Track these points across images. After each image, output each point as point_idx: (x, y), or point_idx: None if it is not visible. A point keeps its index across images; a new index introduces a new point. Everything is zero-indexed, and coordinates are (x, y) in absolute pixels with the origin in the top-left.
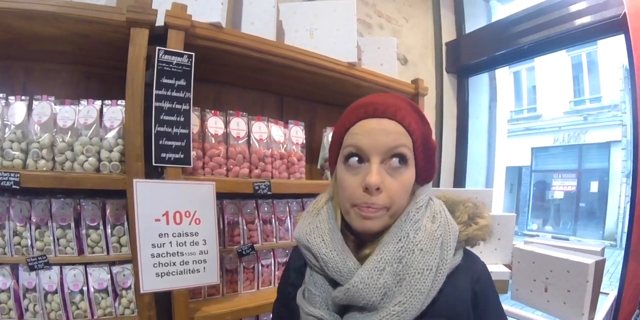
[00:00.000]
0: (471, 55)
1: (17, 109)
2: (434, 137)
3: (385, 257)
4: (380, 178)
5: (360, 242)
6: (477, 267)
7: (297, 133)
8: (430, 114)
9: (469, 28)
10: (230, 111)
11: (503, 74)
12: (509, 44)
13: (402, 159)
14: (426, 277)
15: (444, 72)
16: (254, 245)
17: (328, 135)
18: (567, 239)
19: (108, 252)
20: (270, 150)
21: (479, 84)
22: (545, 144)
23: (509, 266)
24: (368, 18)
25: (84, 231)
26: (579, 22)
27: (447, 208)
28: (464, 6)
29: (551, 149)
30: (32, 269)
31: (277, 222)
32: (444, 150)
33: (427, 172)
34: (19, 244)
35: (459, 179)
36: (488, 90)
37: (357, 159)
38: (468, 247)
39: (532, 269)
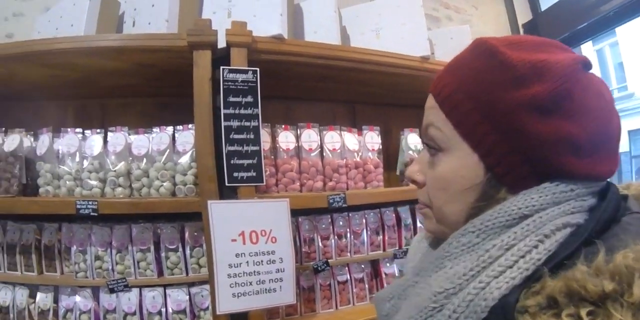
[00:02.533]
0: (552, 34)
1: (94, 141)
2: None
3: (399, 283)
4: (417, 168)
5: None
6: None
7: (373, 139)
8: None
9: (544, 5)
10: (301, 124)
11: (587, 53)
12: (590, 14)
13: (432, 143)
14: None
15: None
16: (329, 260)
17: (406, 137)
18: None
19: (187, 274)
20: (344, 160)
21: None
22: (638, 126)
23: None
24: (435, 12)
25: (163, 254)
26: None
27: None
28: None
29: None
30: (112, 291)
31: (352, 236)
32: None
33: (510, 159)
34: (100, 267)
35: None
36: None
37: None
38: None
39: None
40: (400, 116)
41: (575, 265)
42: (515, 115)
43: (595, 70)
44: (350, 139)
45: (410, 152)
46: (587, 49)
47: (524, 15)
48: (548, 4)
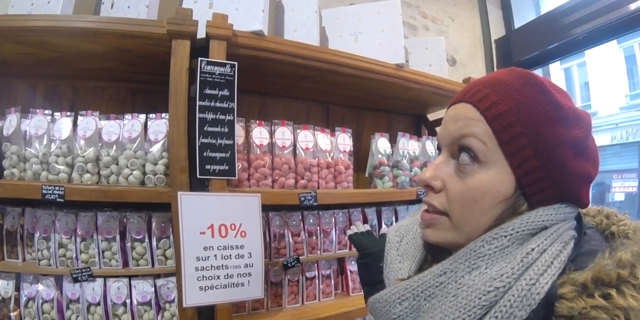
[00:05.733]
0: (523, 51)
1: (63, 124)
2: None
3: (414, 285)
4: (435, 173)
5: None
6: None
7: (344, 140)
8: None
9: (518, 23)
10: (276, 121)
11: (554, 71)
12: (561, 36)
13: (471, 153)
14: None
15: (496, 70)
16: (300, 257)
17: (377, 141)
18: None
19: (153, 265)
20: (316, 159)
21: None
22: (602, 143)
23: None
24: (412, 20)
25: (129, 244)
26: (634, 6)
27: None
28: (510, 0)
29: (609, 148)
30: (76, 280)
31: (322, 235)
32: None
33: (543, 183)
34: (64, 255)
35: None
36: None
37: (439, 152)
38: None
39: None
40: (372, 119)
41: (588, 261)
42: (558, 148)
43: (562, 88)
44: (323, 139)
45: (380, 155)
46: (555, 68)
47: (498, 31)
48: (522, 22)
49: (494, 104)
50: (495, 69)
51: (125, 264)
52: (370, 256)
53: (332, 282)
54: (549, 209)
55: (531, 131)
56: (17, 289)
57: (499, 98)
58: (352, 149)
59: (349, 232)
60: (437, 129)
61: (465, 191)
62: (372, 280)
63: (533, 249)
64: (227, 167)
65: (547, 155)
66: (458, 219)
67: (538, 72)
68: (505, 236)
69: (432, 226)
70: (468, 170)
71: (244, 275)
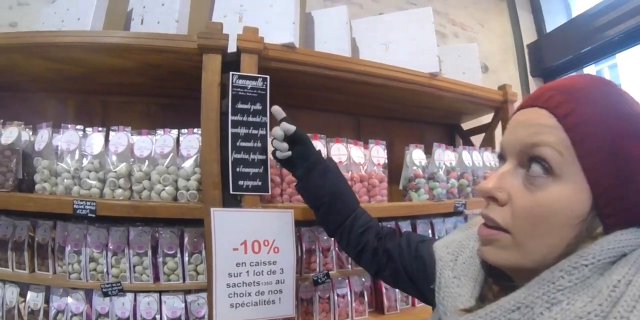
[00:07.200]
0: (556, 56)
1: (94, 139)
2: None
3: (473, 317)
4: (500, 184)
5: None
6: None
7: (379, 153)
8: None
9: (549, 27)
10: (308, 134)
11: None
12: (594, 39)
13: (545, 164)
14: None
15: (529, 76)
16: (329, 272)
17: (411, 153)
18: None
19: (184, 280)
20: (349, 173)
21: None
22: None
23: None
24: (442, 28)
25: (160, 259)
26: None
27: None
28: (540, 4)
29: None
30: (106, 295)
31: None
32: None
33: (622, 204)
34: (95, 269)
35: None
36: None
37: (502, 161)
38: None
39: None
40: (403, 130)
41: None
42: (637, 165)
43: None
44: (356, 152)
45: (415, 167)
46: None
47: (529, 36)
48: (553, 26)
49: (572, 111)
50: (529, 75)
51: (156, 278)
52: (302, 179)
53: (366, 299)
54: (628, 233)
55: (611, 145)
56: (47, 301)
57: (578, 105)
58: (386, 162)
59: (271, 148)
60: (502, 135)
61: (534, 206)
62: (317, 203)
63: (619, 281)
64: (260, 183)
65: (627, 173)
66: (522, 238)
67: None
68: (587, 265)
69: (490, 243)
70: (539, 183)
71: (275, 292)
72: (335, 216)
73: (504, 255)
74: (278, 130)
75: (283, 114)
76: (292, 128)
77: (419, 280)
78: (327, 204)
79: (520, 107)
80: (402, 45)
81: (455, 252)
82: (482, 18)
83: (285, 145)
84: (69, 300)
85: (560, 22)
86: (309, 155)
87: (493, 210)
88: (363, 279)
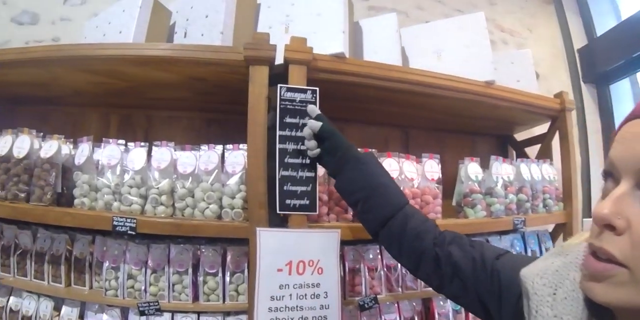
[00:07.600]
0: (608, 60)
1: (137, 154)
2: (578, 157)
3: None
4: (617, 209)
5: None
6: None
7: (432, 167)
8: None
9: (599, 30)
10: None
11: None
12: None
13: None
14: None
15: (581, 83)
16: (377, 296)
17: (466, 167)
18: None
19: (224, 301)
20: (402, 189)
21: (620, 91)
22: None
23: None
24: (490, 34)
25: (201, 278)
26: None
27: None
28: (589, 6)
29: None
30: (142, 313)
31: (402, 269)
32: (593, 175)
33: None
34: (132, 287)
35: None
36: (632, 97)
37: (611, 178)
38: None
39: None
40: (454, 142)
41: None
42: None
43: None
44: (409, 167)
45: (470, 182)
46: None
47: (579, 40)
48: (603, 29)
49: None
50: (581, 81)
51: (196, 298)
52: (334, 176)
53: None
54: None
55: None
56: (81, 316)
57: None
58: (440, 177)
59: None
60: (611, 149)
61: None
62: (352, 199)
63: None
64: (307, 202)
65: None
66: None
67: (626, 81)
68: None
69: (603, 280)
70: None
71: (320, 318)
72: (374, 214)
73: (619, 294)
74: (306, 129)
75: (317, 112)
76: (317, 124)
77: (491, 303)
78: (363, 200)
79: (633, 117)
80: (455, 53)
81: (553, 284)
82: (530, 23)
83: (313, 143)
84: (104, 317)
85: (609, 24)
86: (336, 151)
87: (608, 241)
88: (414, 303)
